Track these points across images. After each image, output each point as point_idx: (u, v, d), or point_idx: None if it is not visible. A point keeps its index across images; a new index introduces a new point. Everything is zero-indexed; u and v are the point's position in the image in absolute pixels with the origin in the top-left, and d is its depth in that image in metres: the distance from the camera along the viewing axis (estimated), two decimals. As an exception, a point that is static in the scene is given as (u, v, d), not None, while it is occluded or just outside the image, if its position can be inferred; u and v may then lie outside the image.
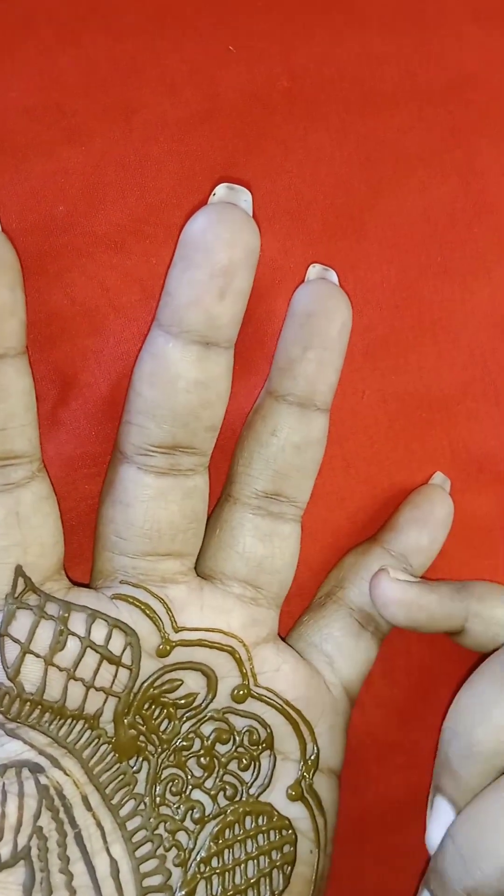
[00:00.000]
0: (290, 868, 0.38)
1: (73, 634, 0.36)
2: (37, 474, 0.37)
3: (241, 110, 0.42)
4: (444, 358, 0.44)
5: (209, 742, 0.39)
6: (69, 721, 0.36)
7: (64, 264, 0.40)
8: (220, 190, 0.36)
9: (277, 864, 0.38)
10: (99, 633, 0.37)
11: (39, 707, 0.36)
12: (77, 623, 0.37)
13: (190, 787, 0.38)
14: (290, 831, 0.39)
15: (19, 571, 0.36)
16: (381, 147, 0.43)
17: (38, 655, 0.36)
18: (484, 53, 0.45)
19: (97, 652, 0.36)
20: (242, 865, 0.38)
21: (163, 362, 0.36)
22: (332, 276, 0.40)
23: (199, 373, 0.36)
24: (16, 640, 0.36)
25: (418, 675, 0.45)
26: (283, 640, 0.42)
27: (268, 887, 0.38)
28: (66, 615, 0.36)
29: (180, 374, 0.36)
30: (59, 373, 0.40)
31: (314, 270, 0.40)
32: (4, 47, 0.40)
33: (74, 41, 0.41)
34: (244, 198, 0.36)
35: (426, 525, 0.42)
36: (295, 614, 0.43)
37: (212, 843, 0.38)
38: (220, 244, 0.35)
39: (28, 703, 0.36)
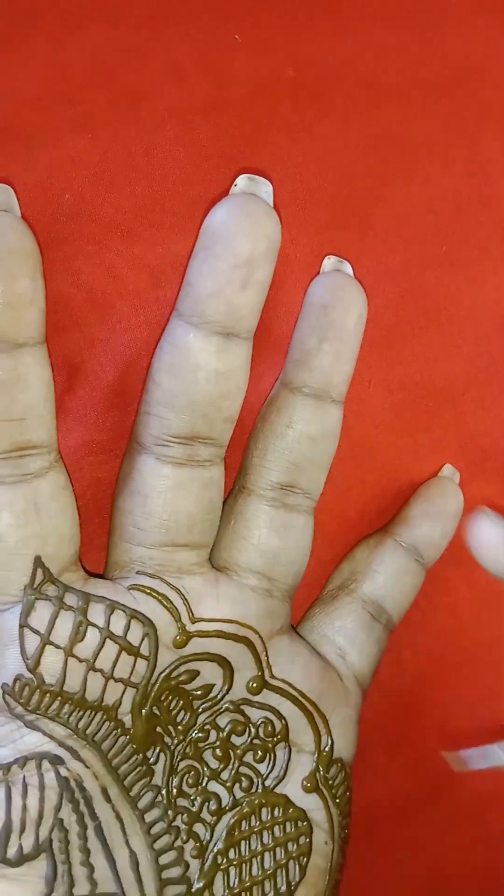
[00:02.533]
0: (305, 859, 0.38)
1: (93, 625, 0.36)
2: (54, 464, 0.36)
3: (247, 99, 0.42)
4: (450, 347, 0.44)
5: (225, 734, 0.39)
6: (88, 712, 0.36)
7: (71, 252, 0.40)
8: (242, 181, 0.36)
9: (293, 855, 0.38)
10: (117, 623, 0.36)
11: (59, 698, 0.36)
12: (96, 614, 0.36)
13: (206, 778, 0.38)
14: (305, 822, 0.39)
15: (38, 562, 0.36)
16: (386, 137, 0.43)
17: (57, 646, 0.36)
18: (487, 45, 0.45)
19: (116, 643, 0.36)
20: (259, 857, 0.38)
21: (183, 353, 0.36)
22: (347, 268, 0.40)
23: (220, 363, 0.36)
24: (35, 631, 0.35)
25: (426, 666, 0.45)
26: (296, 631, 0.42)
27: (284, 878, 0.38)
28: (86, 606, 0.36)
29: (201, 364, 0.35)
30: (67, 360, 0.40)
31: (329, 262, 0.40)
32: (11, 37, 0.40)
33: (81, 30, 0.40)
34: (265, 189, 0.36)
35: (438, 519, 0.43)
36: (301, 604, 0.43)
37: (228, 835, 0.38)
38: (242, 235, 0.34)
39: (48, 695, 0.35)
